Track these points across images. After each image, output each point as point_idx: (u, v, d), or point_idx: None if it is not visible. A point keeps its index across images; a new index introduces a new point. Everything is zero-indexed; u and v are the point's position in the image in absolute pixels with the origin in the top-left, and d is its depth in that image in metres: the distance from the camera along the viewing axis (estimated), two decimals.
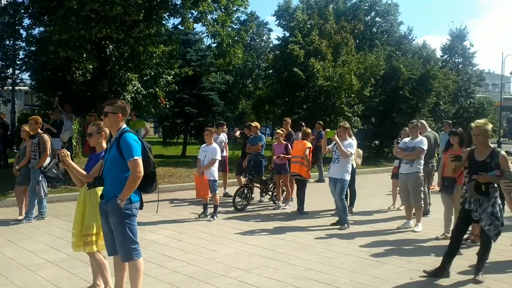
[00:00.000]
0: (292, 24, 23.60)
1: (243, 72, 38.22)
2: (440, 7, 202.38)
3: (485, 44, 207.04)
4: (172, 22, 21.61)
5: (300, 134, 11.17)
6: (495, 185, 5.56)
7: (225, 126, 12.69)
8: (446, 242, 6.36)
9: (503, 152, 5.65)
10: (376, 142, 25.15)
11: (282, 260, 6.53)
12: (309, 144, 10.05)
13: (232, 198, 10.35)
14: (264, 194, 11.31)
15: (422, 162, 8.48)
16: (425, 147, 8.40)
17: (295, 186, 10.45)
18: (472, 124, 5.86)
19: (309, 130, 10.75)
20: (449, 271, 5.85)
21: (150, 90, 15.44)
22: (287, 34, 24.71)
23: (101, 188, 4.71)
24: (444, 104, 26.62)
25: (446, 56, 33.42)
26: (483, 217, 5.59)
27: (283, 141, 10.69)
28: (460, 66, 32.79)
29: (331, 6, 29.63)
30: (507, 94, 73.54)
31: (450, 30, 33.60)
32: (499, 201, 5.63)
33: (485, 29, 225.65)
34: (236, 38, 16.11)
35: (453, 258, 5.87)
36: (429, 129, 10.31)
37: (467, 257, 6.45)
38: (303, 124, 13.67)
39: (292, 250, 7.07)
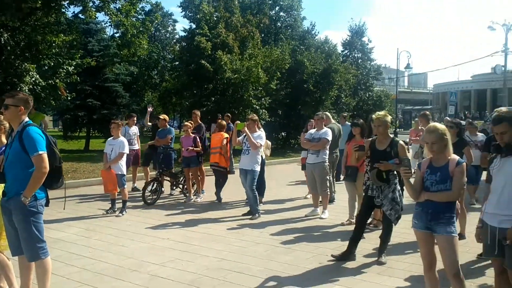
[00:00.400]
0: (198, 16, 23.41)
1: (148, 63, 37.38)
2: (339, 3, 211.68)
3: (382, 41, 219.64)
4: (72, 10, 20.61)
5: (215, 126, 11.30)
6: (395, 172, 5.95)
7: (135, 118, 12.40)
8: (351, 227, 6.76)
9: (401, 142, 6.05)
10: (283, 133, 25.79)
11: (196, 252, 6.53)
12: (226, 135, 10.19)
13: (141, 192, 10.12)
14: (174, 188, 11.21)
15: (328, 152, 8.85)
16: (330, 138, 8.77)
17: (208, 178, 10.47)
18: (373, 116, 6.19)
19: (224, 123, 10.89)
20: (355, 254, 6.20)
21: (50, 82, 14.57)
22: (194, 26, 24.49)
23: (2, 185, 4.43)
24: (345, 97, 27.86)
25: (346, 51, 34.95)
26: (385, 202, 5.97)
27: (191, 134, 10.63)
28: (359, 61, 34.47)
29: None
30: (402, 87, 78.78)
31: (350, 26, 35.19)
32: (398, 187, 6.04)
33: (382, 26, 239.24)
34: (141, 29, 15.72)
35: (358, 242, 6.22)
36: (333, 121, 10.79)
37: (371, 240, 6.87)
38: (220, 116, 13.77)
39: (205, 241, 7.09)
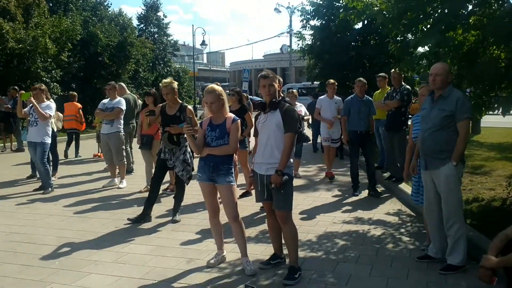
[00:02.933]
0: None
1: None
2: None
3: (181, 20, 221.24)
4: None
5: None
6: (185, 135, 6.33)
7: None
8: None
9: (189, 106, 6.45)
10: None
11: None
12: (79, 105, 12.84)
13: None
14: None
15: (122, 122, 8.88)
16: (124, 107, 8.81)
17: None
18: (161, 84, 6.45)
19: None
20: (151, 216, 6.48)
21: None
22: None
23: None
24: (144, 72, 27.75)
25: (142, 25, 34.67)
26: (177, 164, 6.34)
27: None
28: (156, 35, 34.54)
29: None
30: (201, 65, 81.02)
31: (145, 1, 34.93)
32: (189, 149, 6.44)
33: (177, 3, 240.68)
34: None
35: (153, 204, 6.50)
36: (128, 92, 10.80)
37: (166, 203, 7.27)
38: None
39: None
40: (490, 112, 6.36)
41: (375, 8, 7.23)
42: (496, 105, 6.16)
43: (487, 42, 6.31)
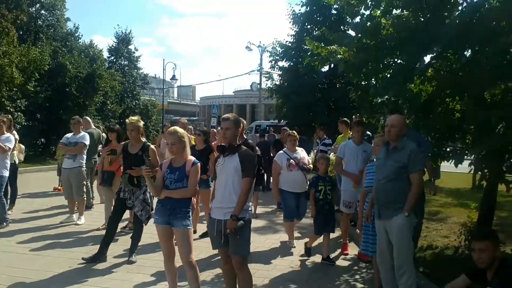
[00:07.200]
0: None
1: None
2: (107, 9, 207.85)
3: (151, 51, 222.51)
4: None
5: None
6: None
7: None
8: None
9: (152, 146, 6.45)
10: (43, 139, 24.16)
11: None
12: None
13: None
14: None
15: (85, 157, 8.80)
16: (87, 142, 8.76)
17: None
18: (127, 120, 6.47)
19: None
20: (106, 256, 6.36)
21: None
22: None
23: None
24: (112, 104, 27.57)
25: (112, 58, 34.62)
26: (136, 203, 6.29)
27: None
28: (126, 68, 34.50)
29: None
30: (172, 98, 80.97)
31: (116, 33, 35.02)
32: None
33: (151, 35, 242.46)
34: None
35: (109, 243, 6.41)
36: (93, 126, 10.73)
37: (123, 242, 7.13)
38: None
39: None
40: None
41: (339, 56, 7.49)
42: (450, 155, 6.40)
43: (444, 94, 6.59)
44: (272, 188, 7.23)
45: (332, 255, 6.72)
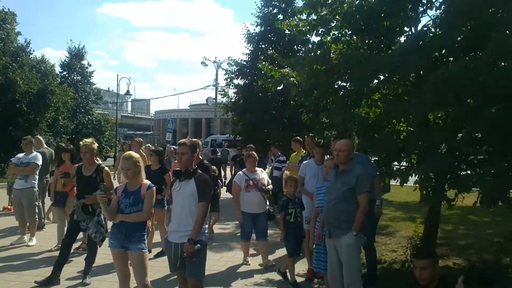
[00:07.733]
0: None
1: None
2: (59, 22, 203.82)
3: (104, 63, 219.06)
4: None
5: None
6: None
7: None
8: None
9: (106, 168, 6.46)
10: None
11: None
12: None
13: None
14: None
15: (37, 177, 8.67)
16: (40, 162, 8.63)
17: None
18: (81, 142, 6.45)
19: None
20: (59, 279, 6.29)
21: None
22: None
23: None
24: (63, 120, 27.03)
25: (65, 73, 34.00)
26: (90, 226, 6.24)
27: None
28: (79, 83, 33.92)
29: None
30: (126, 112, 79.81)
31: (69, 48, 34.45)
32: None
33: (104, 48, 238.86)
34: None
35: (62, 266, 6.34)
36: (45, 146, 10.56)
37: (77, 264, 7.05)
38: None
39: None
40: None
41: (291, 79, 7.75)
42: (398, 173, 6.71)
43: (390, 116, 6.93)
44: (235, 209, 7.34)
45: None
